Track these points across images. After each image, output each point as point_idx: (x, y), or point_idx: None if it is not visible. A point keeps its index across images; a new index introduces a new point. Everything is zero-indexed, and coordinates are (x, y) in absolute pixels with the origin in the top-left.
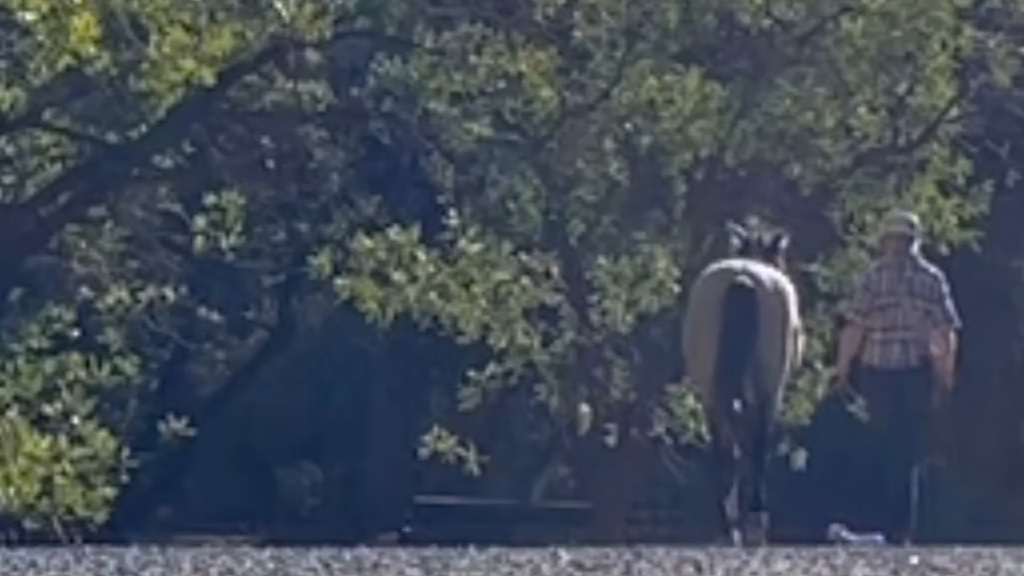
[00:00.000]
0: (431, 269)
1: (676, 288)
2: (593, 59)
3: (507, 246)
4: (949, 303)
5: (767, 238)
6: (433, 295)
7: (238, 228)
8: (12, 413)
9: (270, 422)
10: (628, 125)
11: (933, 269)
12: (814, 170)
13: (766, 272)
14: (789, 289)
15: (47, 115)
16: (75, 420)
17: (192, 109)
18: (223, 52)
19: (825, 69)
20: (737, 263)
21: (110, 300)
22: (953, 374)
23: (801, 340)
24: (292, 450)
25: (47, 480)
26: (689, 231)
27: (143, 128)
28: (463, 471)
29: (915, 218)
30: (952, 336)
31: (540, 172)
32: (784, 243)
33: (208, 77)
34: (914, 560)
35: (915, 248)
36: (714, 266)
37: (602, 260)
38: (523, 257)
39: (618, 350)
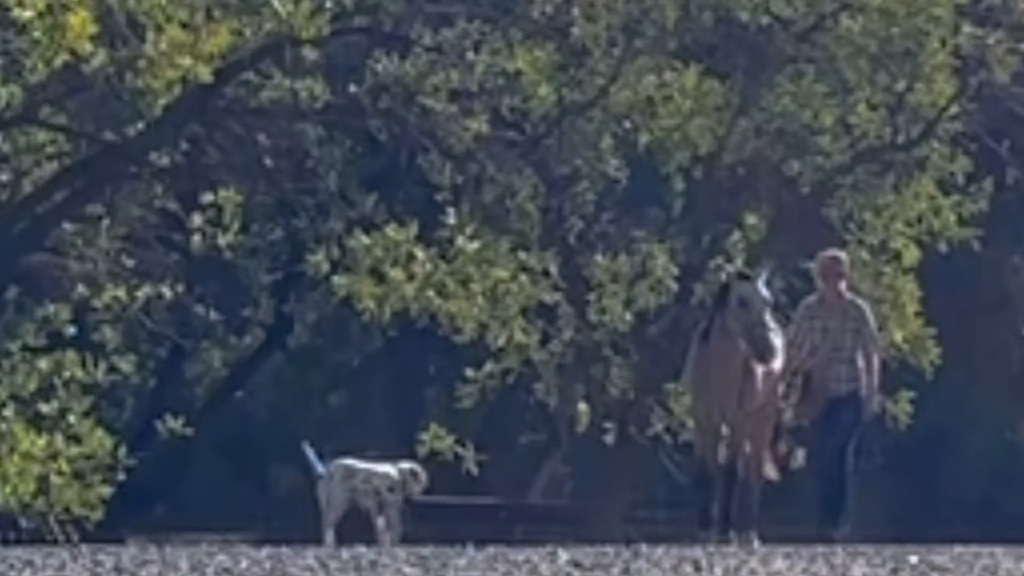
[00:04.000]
0: (429, 267)
1: (674, 286)
2: (591, 56)
3: (505, 244)
4: (873, 327)
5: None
6: (431, 293)
7: (235, 226)
8: (8, 411)
9: (267, 420)
10: (626, 123)
11: (859, 300)
12: (813, 168)
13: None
14: None
15: (43, 112)
16: (71, 419)
17: (189, 106)
18: (220, 49)
19: (824, 66)
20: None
21: (107, 298)
22: (877, 390)
23: None
24: (289, 448)
25: (43, 479)
26: (688, 229)
27: (140, 126)
28: (461, 469)
29: (845, 256)
30: (876, 358)
31: (538, 169)
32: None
33: (205, 74)
34: (914, 559)
35: (843, 283)
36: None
37: (600, 258)
38: (521, 255)
39: (616, 348)
